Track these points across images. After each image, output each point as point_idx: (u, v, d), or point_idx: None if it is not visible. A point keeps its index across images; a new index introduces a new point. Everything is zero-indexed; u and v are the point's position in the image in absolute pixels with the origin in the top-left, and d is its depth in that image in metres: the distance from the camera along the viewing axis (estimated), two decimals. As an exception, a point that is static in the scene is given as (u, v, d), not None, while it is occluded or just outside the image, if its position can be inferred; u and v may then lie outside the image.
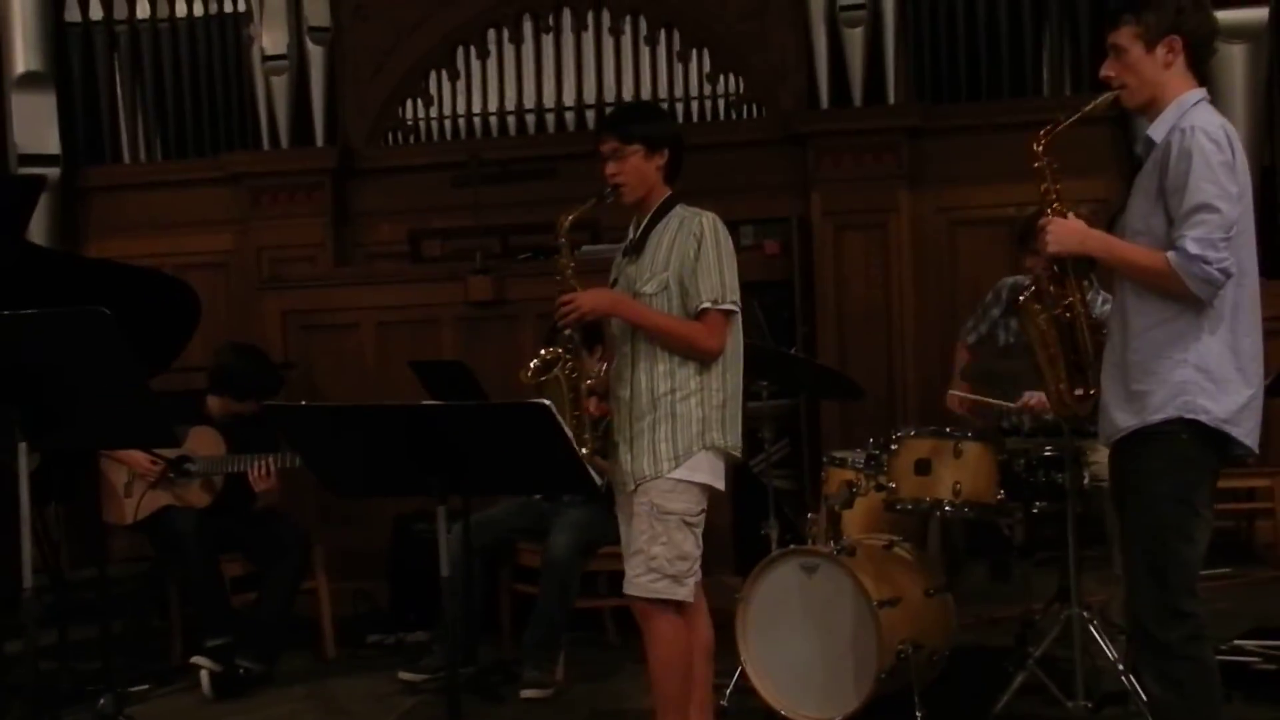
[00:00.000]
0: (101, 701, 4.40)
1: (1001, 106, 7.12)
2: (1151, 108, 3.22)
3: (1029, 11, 7.14)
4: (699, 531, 3.72)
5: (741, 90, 7.35)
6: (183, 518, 5.12)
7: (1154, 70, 3.18)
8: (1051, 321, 3.38)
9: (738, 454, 3.79)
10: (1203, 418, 3.11)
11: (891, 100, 7.04)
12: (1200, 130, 3.08)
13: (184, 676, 5.10)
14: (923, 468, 4.40)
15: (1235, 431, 3.13)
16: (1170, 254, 3.06)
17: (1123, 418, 3.19)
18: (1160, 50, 3.16)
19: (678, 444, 3.66)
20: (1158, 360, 3.14)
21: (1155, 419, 3.13)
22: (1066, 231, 3.26)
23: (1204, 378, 3.12)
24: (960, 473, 4.36)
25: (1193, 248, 3.03)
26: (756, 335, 5.57)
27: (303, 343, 6.55)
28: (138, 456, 5.12)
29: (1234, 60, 6.55)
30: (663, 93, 7.33)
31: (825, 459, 4.99)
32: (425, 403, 2.87)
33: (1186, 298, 3.09)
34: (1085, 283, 4.78)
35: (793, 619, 4.32)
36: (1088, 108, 3.29)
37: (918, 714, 4.17)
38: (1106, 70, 3.25)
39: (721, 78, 7.37)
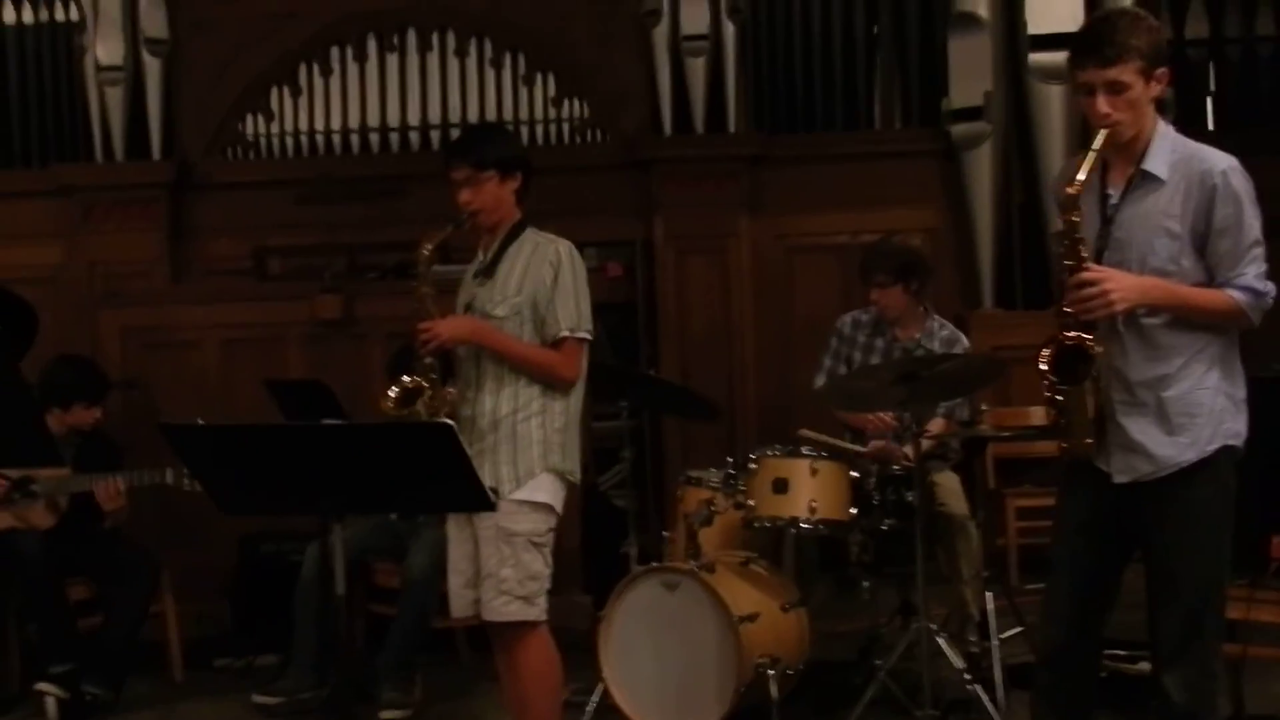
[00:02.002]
0: (-52, 730, 4.27)
1: (836, 138, 7.38)
2: (1135, 142, 3.17)
3: (862, 47, 7.40)
4: (547, 551, 3.80)
5: (586, 115, 7.45)
6: (25, 540, 4.98)
7: (1146, 104, 3.14)
8: (1094, 381, 3.18)
9: (575, 479, 3.89)
10: (1237, 442, 3.18)
11: (732, 129, 7.23)
12: (1237, 170, 3.11)
13: (25, 704, 4.96)
14: (780, 486, 4.55)
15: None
16: (1235, 293, 3.09)
17: (1171, 453, 3.14)
18: (1153, 83, 3.14)
19: (519, 465, 3.74)
20: (1199, 391, 3.14)
21: (1210, 449, 3.14)
22: (1130, 286, 3.09)
23: (1230, 401, 3.18)
24: (816, 491, 4.52)
25: (1258, 284, 3.09)
26: (603, 355, 5.68)
27: (143, 360, 6.39)
28: (-23, 478, 4.97)
29: (1053, 99, 6.92)
30: (508, 115, 7.39)
31: (681, 478, 5.11)
32: (326, 421, 2.90)
33: (1230, 329, 3.16)
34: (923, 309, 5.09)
35: (654, 635, 4.42)
36: (1096, 147, 3.11)
37: (776, 726, 4.31)
38: (1104, 108, 3.10)
39: (566, 102, 7.45)
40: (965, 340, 5.13)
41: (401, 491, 3.01)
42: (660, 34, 7.20)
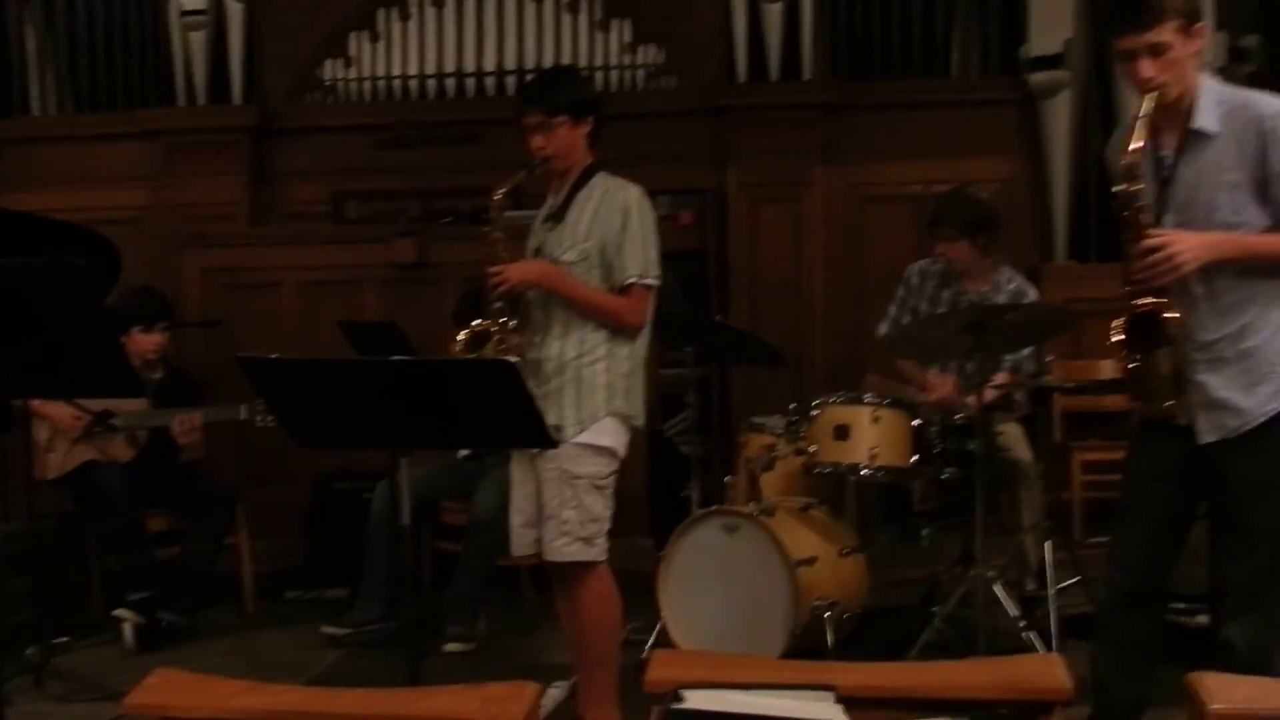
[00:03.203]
0: (29, 651, 4.43)
1: (913, 85, 7.31)
2: (1181, 101, 3.13)
3: (942, -7, 7.33)
4: (609, 494, 3.86)
5: (661, 61, 7.43)
6: (107, 472, 5.16)
7: (1189, 61, 3.10)
8: (1168, 344, 3.17)
9: (639, 424, 3.93)
10: None
11: (808, 76, 7.20)
12: None
13: (104, 630, 5.14)
14: (841, 433, 4.58)
15: None
16: None
17: (1255, 404, 3.14)
18: (1194, 39, 3.09)
19: (583, 409, 3.79)
20: (1278, 339, 3.15)
21: None
22: (1197, 245, 3.06)
23: None
24: (877, 438, 4.55)
25: None
26: (672, 303, 5.71)
27: (224, 301, 6.55)
28: (61, 411, 5.13)
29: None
30: (583, 61, 7.38)
31: (745, 424, 5.15)
32: (396, 357, 2.98)
33: None
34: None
35: (713, 577, 4.49)
36: (1144, 114, 3.07)
37: (831, 668, 4.36)
38: (1148, 72, 3.06)
39: (641, 48, 7.44)
40: (1034, 293, 5.10)
41: (467, 427, 3.10)
42: (738, -22, 7.17)
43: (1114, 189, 3.16)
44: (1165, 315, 3.13)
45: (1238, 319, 3.16)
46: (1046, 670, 2.37)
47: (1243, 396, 3.15)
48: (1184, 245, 3.06)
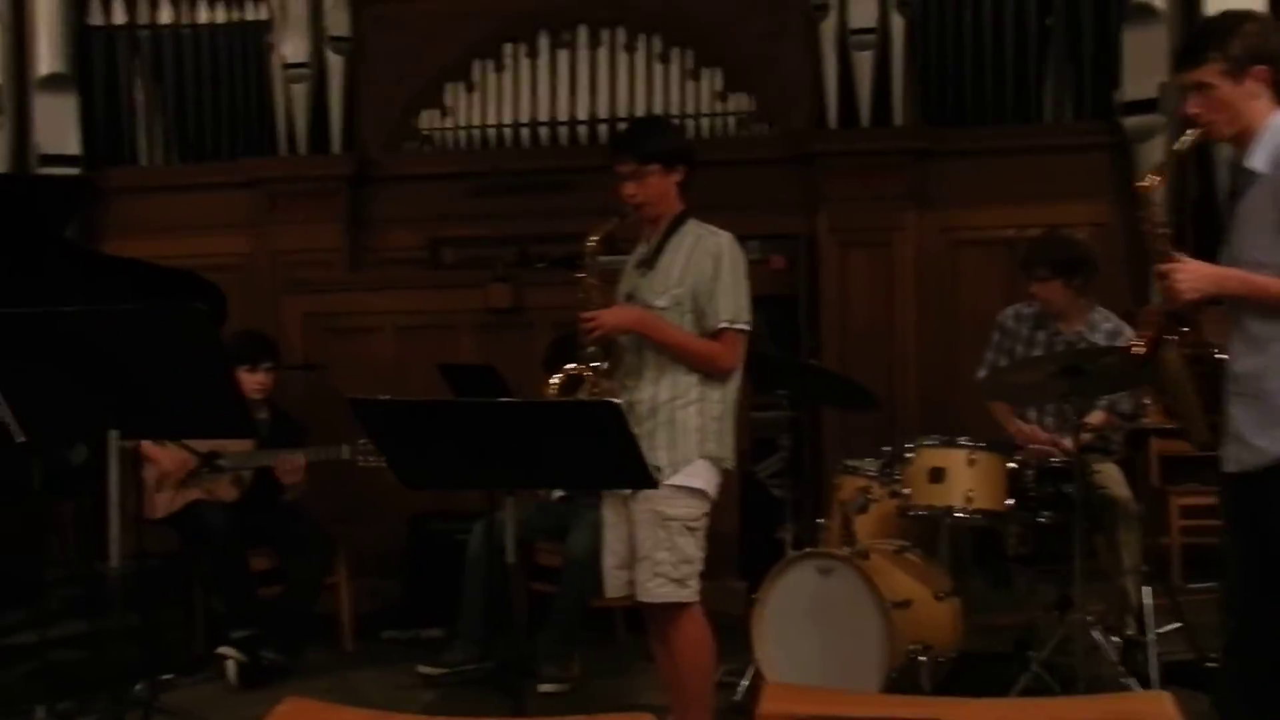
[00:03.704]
0: (138, 688, 4.53)
1: (1004, 131, 7.32)
2: (1242, 138, 3.19)
3: (1034, 39, 7.34)
4: (701, 536, 3.88)
5: (752, 108, 7.51)
6: (212, 512, 5.26)
7: (1243, 101, 3.15)
8: (1184, 363, 3.29)
9: (730, 466, 3.95)
10: None
11: (898, 122, 7.23)
12: None
13: (207, 667, 5.24)
14: (937, 475, 4.57)
15: None
16: None
17: (1266, 445, 3.16)
18: (1249, 81, 3.14)
19: (676, 451, 3.82)
20: None
21: None
22: (1199, 275, 3.15)
23: None
24: (973, 481, 4.54)
25: None
26: (763, 346, 5.75)
27: (322, 345, 6.70)
28: (169, 452, 5.26)
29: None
30: (675, 109, 7.49)
31: (838, 466, 5.16)
32: (502, 399, 3.04)
33: None
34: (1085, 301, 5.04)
35: (808, 619, 4.47)
36: (1176, 147, 3.28)
37: (927, 713, 4.33)
38: (1192, 108, 3.19)
39: (733, 96, 7.53)
40: (1130, 333, 5.05)
41: (570, 468, 3.15)
42: (828, 27, 7.25)
43: (1140, 214, 3.33)
44: (1168, 339, 3.29)
45: (1260, 357, 3.18)
46: (1156, 708, 2.34)
47: (1257, 435, 3.18)
48: (1187, 274, 3.15)
